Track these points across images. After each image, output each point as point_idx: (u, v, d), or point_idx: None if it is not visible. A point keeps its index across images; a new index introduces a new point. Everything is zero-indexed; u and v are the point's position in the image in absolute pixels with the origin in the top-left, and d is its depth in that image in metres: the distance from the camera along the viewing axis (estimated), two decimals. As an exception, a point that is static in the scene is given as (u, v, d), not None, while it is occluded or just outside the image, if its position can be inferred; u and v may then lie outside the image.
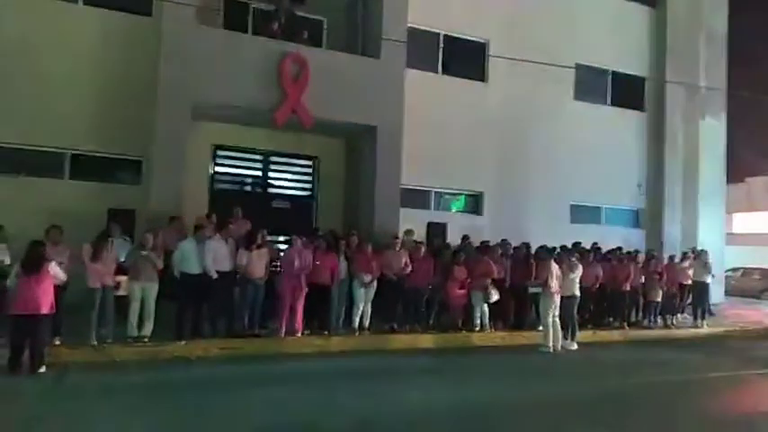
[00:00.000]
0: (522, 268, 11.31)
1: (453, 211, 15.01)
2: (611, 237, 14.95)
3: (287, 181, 13.56)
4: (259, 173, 13.31)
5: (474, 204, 15.09)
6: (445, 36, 14.67)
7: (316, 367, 8.42)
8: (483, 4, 14.77)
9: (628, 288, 12.34)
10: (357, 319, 10.17)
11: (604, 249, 13.15)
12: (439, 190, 14.67)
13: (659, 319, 13.11)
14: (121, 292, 8.62)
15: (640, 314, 12.96)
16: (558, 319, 10.25)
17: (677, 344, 11.91)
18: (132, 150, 11.62)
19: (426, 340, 10.34)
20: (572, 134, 15.73)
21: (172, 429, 5.65)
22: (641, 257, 13.17)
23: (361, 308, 10.19)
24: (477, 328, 10.88)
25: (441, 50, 14.63)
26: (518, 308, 11.44)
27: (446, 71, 14.65)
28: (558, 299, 10.24)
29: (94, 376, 7.25)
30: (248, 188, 13.37)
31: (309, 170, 13.68)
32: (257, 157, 13.17)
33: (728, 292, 19.44)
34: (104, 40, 11.49)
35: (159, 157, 10.65)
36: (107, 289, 8.31)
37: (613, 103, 16.95)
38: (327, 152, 13.58)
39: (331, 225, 12.30)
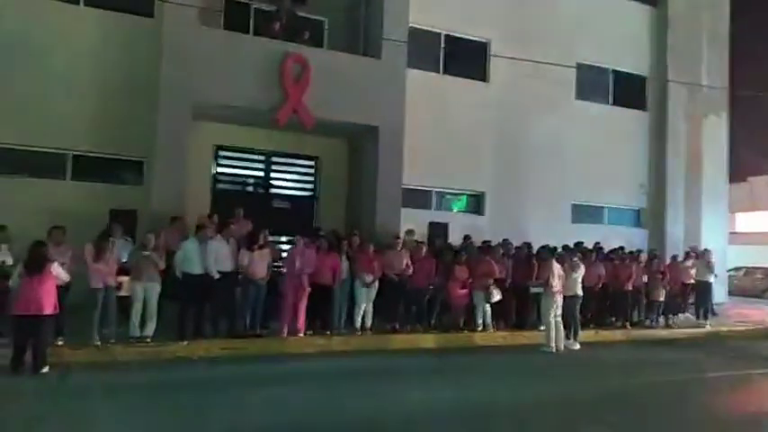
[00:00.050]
0: (523, 268, 11.31)
1: (455, 210, 15.00)
2: (614, 236, 14.91)
3: (288, 181, 13.56)
4: (261, 173, 13.32)
5: (475, 204, 15.08)
6: (446, 36, 14.67)
7: (318, 367, 8.43)
8: (484, 3, 14.76)
9: (630, 288, 12.32)
10: (359, 319, 10.18)
11: (606, 249, 13.13)
12: (440, 190, 14.67)
13: (662, 319, 13.09)
14: (123, 293, 8.65)
15: (643, 314, 12.94)
16: (560, 319, 10.24)
17: (680, 344, 11.89)
18: (134, 151, 11.64)
19: (428, 340, 10.34)
20: (574, 134, 15.71)
21: (174, 429, 5.66)
22: (644, 257, 13.15)
23: (363, 308, 10.19)
24: (479, 328, 10.88)
25: (442, 50, 14.63)
26: (520, 308, 11.42)
27: (447, 71, 14.64)
28: (560, 299, 10.23)
29: (97, 376, 7.26)
30: (250, 188, 13.38)
31: (311, 170, 13.68)
32: (259, 157, 13.18)
33: (731, 292, 19.40)
34: (106, 40, 11.52)
35: (161, 157, 10.66)
36: (109, 289, 8.32)
37: (615, 103, 16.92)
38: (329, 152, 13.58)
39: (332, 225, 12.31)
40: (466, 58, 14.88)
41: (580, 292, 10.67)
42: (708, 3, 18.47)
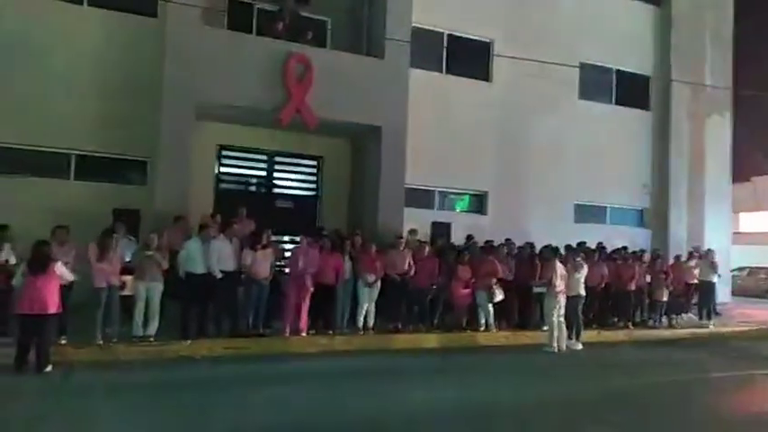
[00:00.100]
0: (526, 268, 11.31)
1: (457, 210, 15.01)
2: (616, 236, 14.90)
3: (291, 181, 13.58)
4: (264, 173, 13.34)
5: (478, 204, 15.08)
6: (449, 36, 14.68)
7: (320, 367, 8.43)
8: (487, 3, 14.77)
9: (633, 288, 12.29)
10: (361, 319, 10.19)
11: (609, 249, 13.11)
12: (443, 190, 14.68)
13: (664, 319, 13.07)
14: (127, 292, 8.66)
15: (645, 314, 12.92)
16: (562, 319, 10.22)
17: (683, 344, 11.87)
18: (137, 151, 11.67)
19: (430, 340, 10.35)
20: (577, 133, 15.70)
21: (176, 428, 5.67)
22: (647, 257, 13.13)
23: (366, 307, 10.20)
24: (482, 328, 10.88)
25: (445, 50, 14.63)
26: (522, 307, 11.42)
27: (450, 71, 14.64)
28: (562, 299, 10.21)
29: (100, 375, 7.28)
30: (253, 188, 13.41)
31: (314, 170, 13.70)
32: (262, 157, 13.20)
33: (734, 292, 19.34)
34: (109, 40, 11.55)
35: (164, 157, 10.69)
36: (113, 288, 8.34)
37: (618, 102, 16.90)
38: (332, 152, 13.59)
39: (335, 225, 12.32)
40: (469, 58, 14.88)
41: (583, 292, 10.67)
42: (711, 2, 18.42)
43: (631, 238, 15.53)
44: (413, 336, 10.31)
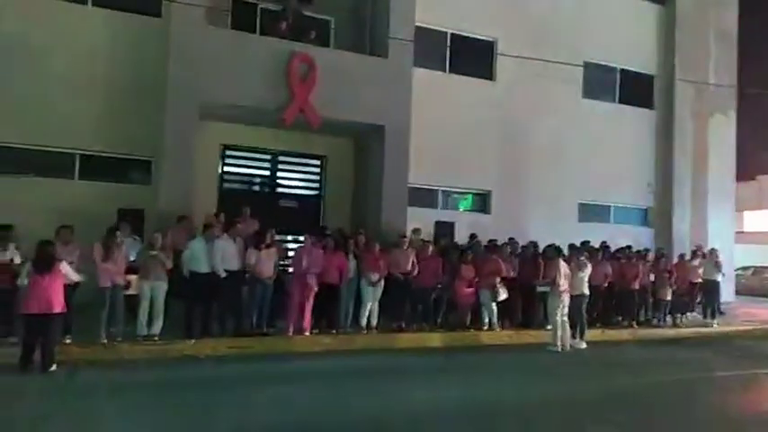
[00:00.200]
0: (530, 267, 11.29)
1: (461, 210, 15.00)
2: (620, 235, 14.87)
3: (295, 180, 13.59)
4: (267, 172, 13.35)
5: (481, 203, 15.07)
6: (453, 35, 14.66)
7: (324, 366, 8.44)
8: (490, 2, 14.75)
9: (637, 287, 12.29)
10: (365, 318, 10.19)
11: (613, 248, 13.10)
12: (446, 189, 14.68)
13: (669, 318, 13.05)
14: (131, 291, 8.69)
15: (649, 313, 12.90)
16: (566, 318, 10.22)
17: (687, 343, 11.84)
18: (141, 150, 11.70)
19: (434, 339, 10.35)
20: (580, 132, 15.68)
21: (181, 427, 5.68)
22: (651, 256, 13.12)
23: (369, 307, 10.20)
24: (486, 327, 10.88)
25: (448, 49, 14.62)
26: (526, 306, 11.42)
27: (454, 70, 14.63)
28: (566, 298, 10.21)
29: (104, 374, 7.31)
30: (256, 188, 13.42)
31: (317, 169, 13.70)
32: (265, 156, 13.21)
33: (738, 291, 19.29)
34: (113, 40, 11.57)
35: (168, 156, 10.71)
36: (117, 288, 8.38)
37: (622, 101, 16.86)
38: (335, 151, 13.60)
39: (338, 224, 12.32)
40: (472, 57, 14.86)
41: (587, 291, 10.65)
42: (715, 0, 18.36)
43: (635, 237, 15.51)
44: (416, 335, 10.32)
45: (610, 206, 16.67)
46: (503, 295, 10.77)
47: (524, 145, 15.06)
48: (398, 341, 10.03)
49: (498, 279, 10.76)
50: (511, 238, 12.14)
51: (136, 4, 11.83)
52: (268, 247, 9.49)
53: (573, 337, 10.37)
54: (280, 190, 13.40)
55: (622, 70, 16.86)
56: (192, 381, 7.33)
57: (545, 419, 6.41)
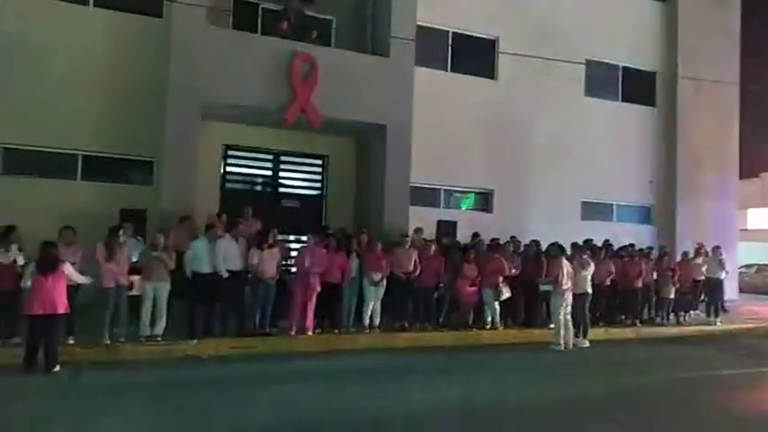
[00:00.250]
0: (532, 266, 11.28)
1: (463, 208, 14.99)
2: (623, 234, 14.84)
3: (297, 180, 13.61)
4: (269, 172, 13.37)
5: (484, 202, 15.06)
6: (454, 33, 14.66)
7: (326, 365, 8.44)
8: (492, 0, 14.73)
9: (640, 285, 12.27)
10: (367, 318, 10.19)
11: (616, 246, 13.07)
12: (448, 188, 14.68)
13: (672, 317, 13.02)
14: (134, 292, 8.71)
15: (653, 311, 12.88)
16: (569, 317, 10.20)
17: (690, 341, 11.80)
18: (143, 151, 11.72)
19: (436, 338, 10.34)
20: (583, 130, 15.66)
21: (183, 427, 5.69)
22: (654, 254, 13.09)
23: (372, 306, 10.20)
24: (488, 326, 10.87)
25: (450, 48, 14.62)
26: (529, 305, 11.40)
27: (455, 69, 14.63)
28: (569, 296, 10.19)
29: (107, 375, 7.33)
30: (259, 187, 13.44)
31: (319, 169, 13.72)
32: (267, 156, 13.23)
33: (742, 289, 19.25)
34: (115, 41, 11.60)
35: (170, 157, 10.72)
36: (121, 288, 8.40)
37: (624, 99, 16.84)
38: (337, 151, 13.61)
39: (341, 224, 12.34)
40: (474, 56, 14.86)
41: (590, 290, 10.63)
42: (718, -2, 18.33)
43: (638, 235, 15.48)
44: (419, 334, 10.31)
45: (612, 204, 16.64)
46: (505, 294, 10.76)
47: (526, 143, 15.05)
48: (401, 340, 10.02)
49: (501, 278, 10.75)
50: (513, 237, 12.12)
51: (137, 5, 11.87)
52: (270, 247, 9.49)
53: (576, 335, 10.35)
54: (282, 190, 13.41)
55: (624, 68, 16.83)
56: (194, 381, 7.34)
57: (548, 419, 6.39)
